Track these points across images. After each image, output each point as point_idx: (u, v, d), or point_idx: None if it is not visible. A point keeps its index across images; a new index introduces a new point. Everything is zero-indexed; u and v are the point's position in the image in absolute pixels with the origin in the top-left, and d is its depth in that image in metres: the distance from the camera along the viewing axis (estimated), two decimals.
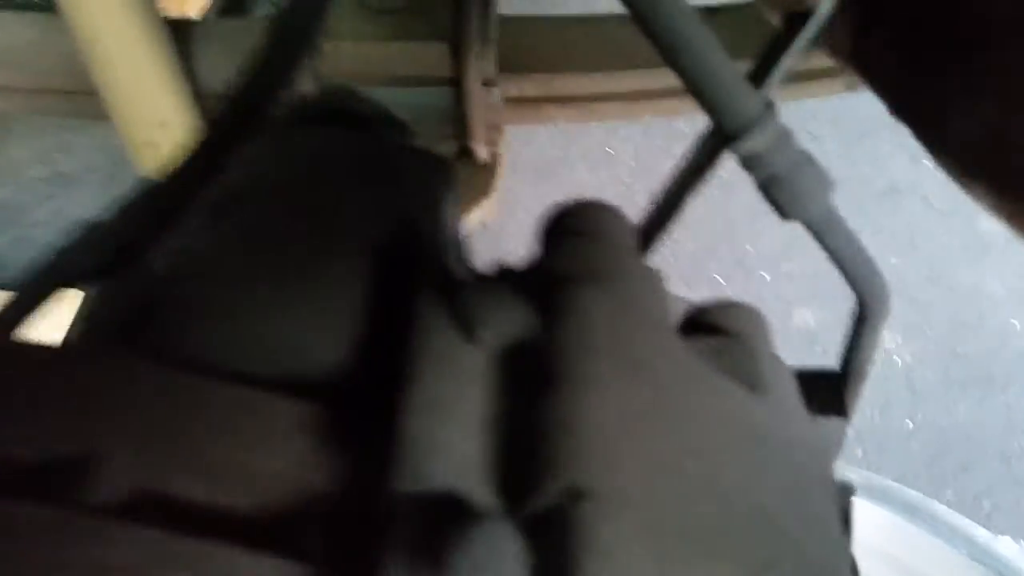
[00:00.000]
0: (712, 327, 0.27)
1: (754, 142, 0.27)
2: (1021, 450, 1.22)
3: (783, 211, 0.29)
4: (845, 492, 0.27)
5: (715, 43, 0.27)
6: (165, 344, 0.24)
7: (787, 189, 0.28)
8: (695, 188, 0.33)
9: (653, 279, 0.25)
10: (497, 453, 0.20)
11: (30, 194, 1.67)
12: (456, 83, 0.86)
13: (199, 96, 0.91)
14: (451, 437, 0.20)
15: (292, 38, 0.29)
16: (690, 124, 1.70)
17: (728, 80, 0.27)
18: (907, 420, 1.25)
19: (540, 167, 1.59)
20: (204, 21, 0.97)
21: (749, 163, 0.28)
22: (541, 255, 0.26)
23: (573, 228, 0.26)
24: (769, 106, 0.27)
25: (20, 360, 0.22)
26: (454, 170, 0.29)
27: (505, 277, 0.24)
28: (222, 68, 0.93)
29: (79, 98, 0.94)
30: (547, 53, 0.87)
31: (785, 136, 0.27)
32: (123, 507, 0.19)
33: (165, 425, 0.20)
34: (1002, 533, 0.90)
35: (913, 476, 1.22)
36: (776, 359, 0.27)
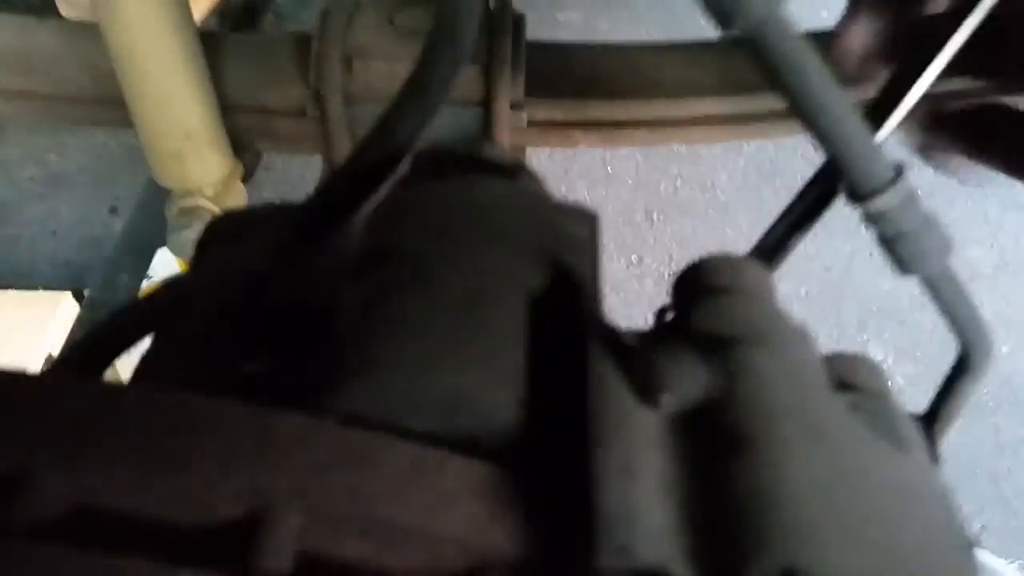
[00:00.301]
0: (846, 383, 0.28)
1: (884, 203, 0.29)
2: (1010, 471, 1.26)
3: (904, 266, 0.30)
4: (972, 546, 0.29)
5: (849, 106, 0.28)
6: (322, 399, 0.23)
7: (911, 247, 0.29)
8: (805, 231, 0.34)
9: (807, 338, 0.26)
10: (688, 523, 0.20)
11: (22, 194, 1.64)
12: (485, 105, 0.87)
13: (225, 109, 0.91)
14: (647, 507, 0.20)
15: (431, 84, 0.29)
16: (688, 145, 1.73)
17: (862, 144, 0.28)
18: None
19: None
20: (232, 35, 0.97)
21: (875, 219, 0.29)
22: (684, 314, 0.26)
23: (719, 285, 0.27)
24: (900, 169, 0.29)
25: (150, 403, 0.21)
26: (599, 222, 0.30)
27: (667, 337, 0.25)
28: (247, 82, 0.93)
29: (101, 107, 0.93)
30: (575, 79, 0.89)
31: (912, 198, 0.29)
32: (297, 571, 0.19)
33: (337, 483, 0.19)
34: (992, 553, 0.93)
35: None
36: (904, 412, 0.29)
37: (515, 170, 0.30)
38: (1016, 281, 1.48)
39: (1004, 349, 1.39)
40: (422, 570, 0.19)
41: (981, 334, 0.32)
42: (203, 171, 0.90)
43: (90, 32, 0.87)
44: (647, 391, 0.22)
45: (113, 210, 1.61)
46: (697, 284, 0.27)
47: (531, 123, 0.88)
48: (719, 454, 0.21)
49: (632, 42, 0.90)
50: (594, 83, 0.88)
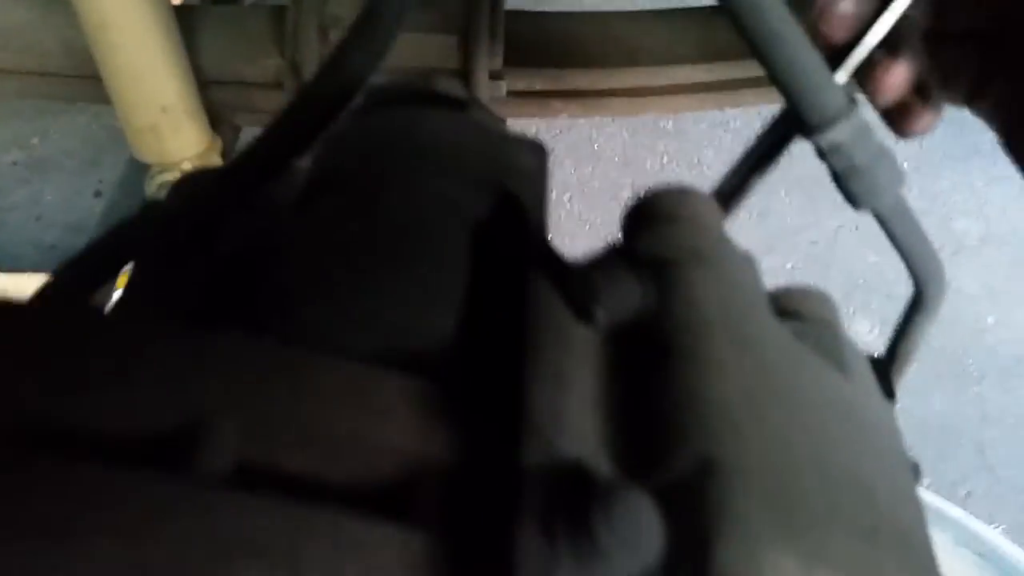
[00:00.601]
0: (792, 312, 0.28)
1: (837, 134, 0.28)
2: (994, 440, 1.26)
3: (856, 201, 0.30)
4: (916, 472, 0.29)
5: (804, 37, 0.28)
6: (264, 323, 0.24)
7: (865, 180, 0.29)
8: (763, 174, 0.34)
9: (750, 262, 0.26)
10: (616, 427, 0.21)
11: (6, 178, 1.64)
12: (464, 75, 0.86)
13: (201, 83, 0.90)
14: (574, 411, 0.20)
15: (382, 19, 0.29)
16: (674, 122, 1.73)
17: (816, 74, 0.28)
18: None
19: None
20: (205, 7, 0.96)
21: (828, 153, 0.29)
22: (631, 240, 0.27)
23: (664, 214, 0.27)
24: (852, 100, 0.29)
25: (104, 331, 0.21)
26: (547, 154, 0.30)
27: (606, 260, 0.25)
28: (223, 55, 0.92)
29: (77, 82, 0.93)
30: (554, 48, 0.88)
31: (865, 130, 0.29)
32: (235, 479, 0.19)
33: (275, 397, 0.20)
34: (977, 518, 0.93)
35: None
36: (853, 343, 0.29)
37: (467, 103, 0.30)
38: (1001, 253, 1.48)
39: (990, 320, 1.40)
40: (358, 481, 0.20)
41: (935, 269, 0.32)
42: (181, 145, 0.89)
43: (64, 7, 0.86)
44: (582, 307, 0.22)
45: (98, 194, 1.61)
46: (642, 213, 0.27)
47: (510, 93, 0.88)
48: (648, 365, 0.21)
49: (611, 11, 0.90)
50: (573, 52, 0.88)
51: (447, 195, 0.26)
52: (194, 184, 0.32)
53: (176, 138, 0.89)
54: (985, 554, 0.89)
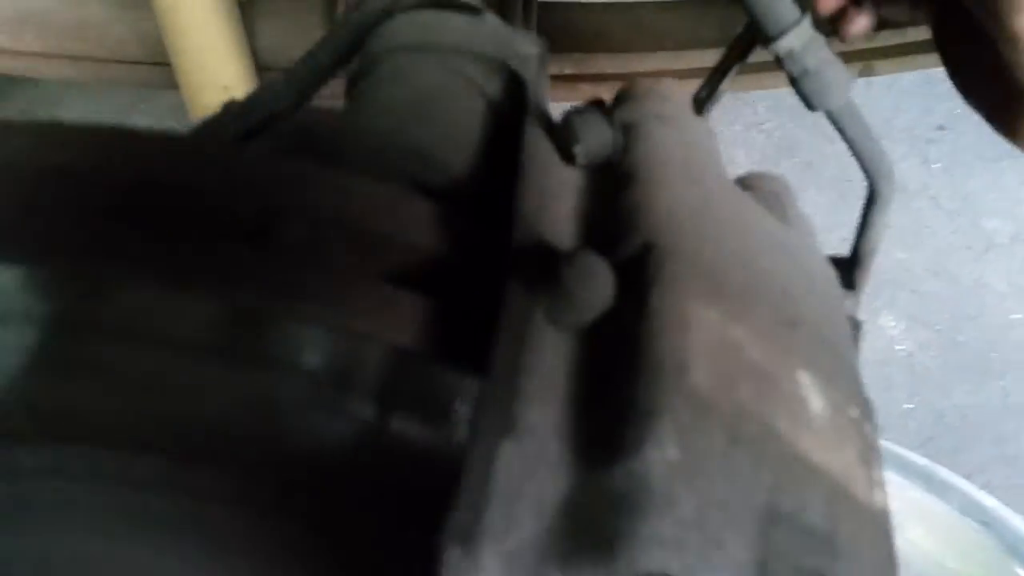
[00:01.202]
0: (748, 185, 0.34)
1: (790, 41, 0.34)
2: (1015, 433, 1.28)
3: (811, 102, 0.36)
4: (855, 324, 0.34)
5: None
6: (326, 158, 0.31)
7: (816, 82, 0.35)
8: (730, 77, 0.40)
9: (709, 131, 0.32)
10: (585, 225, 0.27)
11: None
12: None
13: (258, 67, 0.99)
14: (554, 212, 0.26)
15: None
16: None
17: None
18: (906, 402, 1.31)
19: None
20: None
21: (784, 59, 0.35)
22: (615, 108, 0.33)
23: (639, 93, 0.33)
24: (804, 12, 0.34)
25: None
26: (547, 45, 0.36)
27: (588, 112, 0.31)
28: (279, 42, 1.00)
29: (147, 68, 1.02)
30: (584, 35, 0.95)
31: (816, 39, 0.34)
32: (299, 250, 0.26)
33: (328, 204, 0.26)
34: None
35: None
36: (803, 215, 0.34)
37: (481, 10, 0.37)
38: None
39: (1016, 317, 1.41)
40: (391, 266, 0.26)
41: (883, 164, 0.37)
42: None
43: (135, 2, 0.95)
44: (566, 149, 0.29)
45: None
46: (622, 93, 0.33)
47: None
48: (614, 187, 0.27)
49: (637, 0, 0.96)
50: (601, 38, 0.94)
51: (466, 72, 0.33)
52: (264, 89, 0.40)
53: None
54: (989, 522, 0.91)
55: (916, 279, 1.46)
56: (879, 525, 0.24)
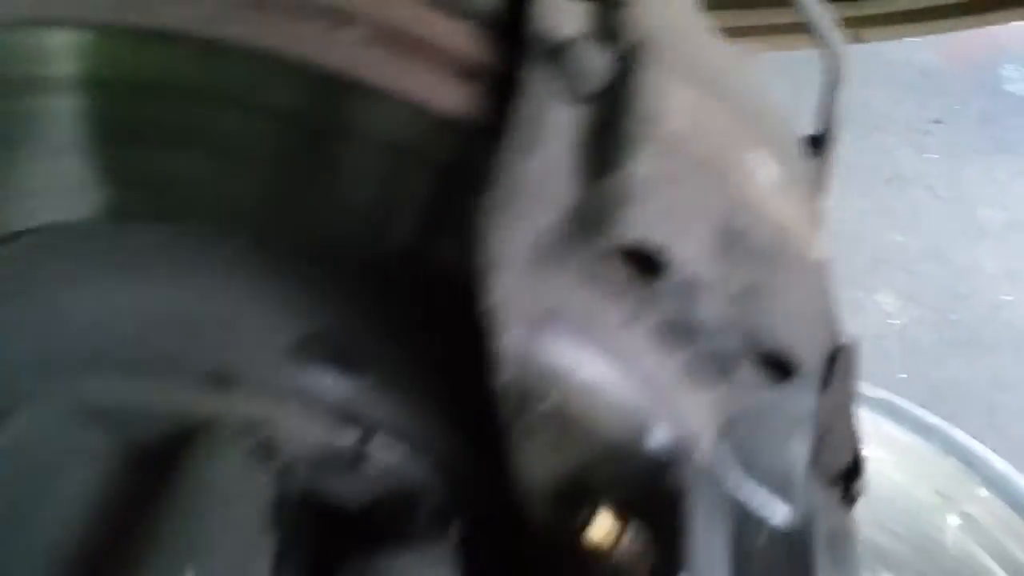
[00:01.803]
0: None
1: None
2: (1005, 403, 1.33)
3: None
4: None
5: None
6: None
7: None
8: None
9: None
10: (594, 31, 0.33)
11: None
12: None
13: None
14: (571, 23, 0.33)
15: None
16: None
17: None
18: (899, 372, 1.36)
19: None
20: None
21: None
22: None
23: None
24: None
25: None
26: None
27: None
28: None
29: None
30: None
31: None
32: None
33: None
34: None
35: None
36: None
37: None
38: (1022, 238, 1.56)
39: (1007, 298, 1.47)
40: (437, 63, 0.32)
41: (832, 39, 0.44)
42: None
43: None
44: None
45: None
46: None
47: None
48: (614, 8, 0.34)
49: None
50: None
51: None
52: None
53: None
54: (972, 463, 0.97)
55: (911, 260, 1.52)
56: (816, 272, 0.31)
